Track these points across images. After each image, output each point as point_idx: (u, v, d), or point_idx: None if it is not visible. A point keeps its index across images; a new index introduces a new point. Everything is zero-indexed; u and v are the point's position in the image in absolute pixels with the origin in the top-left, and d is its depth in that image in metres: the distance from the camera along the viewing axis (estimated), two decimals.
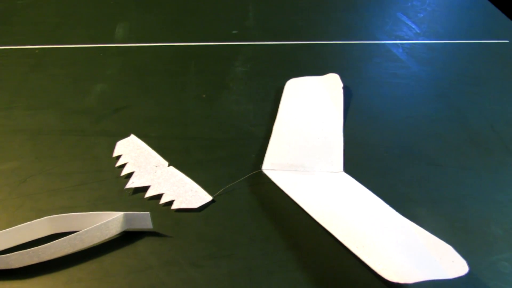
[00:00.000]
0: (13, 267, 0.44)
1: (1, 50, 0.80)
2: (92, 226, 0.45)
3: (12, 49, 0.80)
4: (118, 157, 0.57)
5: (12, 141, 0.60)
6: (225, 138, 0.62)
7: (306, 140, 0.59)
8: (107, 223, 0.46)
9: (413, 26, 0.93)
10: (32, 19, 0.92)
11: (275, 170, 0.55)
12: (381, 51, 0.85)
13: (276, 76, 0.74)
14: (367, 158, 0.59)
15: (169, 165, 0.56)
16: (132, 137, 0.60)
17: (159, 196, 0.52)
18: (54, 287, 0.43)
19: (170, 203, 0.51)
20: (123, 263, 0.45)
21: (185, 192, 0.52)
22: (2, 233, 0.45)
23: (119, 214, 0.46)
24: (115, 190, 0.53)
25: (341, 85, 0.69)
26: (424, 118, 0.67)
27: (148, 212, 0.47)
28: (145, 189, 0.53)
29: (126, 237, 0.48)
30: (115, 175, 0.55)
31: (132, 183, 0.53)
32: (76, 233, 0.45)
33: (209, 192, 0.53)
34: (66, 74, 0.74)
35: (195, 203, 0.51)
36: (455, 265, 0.41)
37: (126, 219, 0.47)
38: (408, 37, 0.89)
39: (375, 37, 0.89)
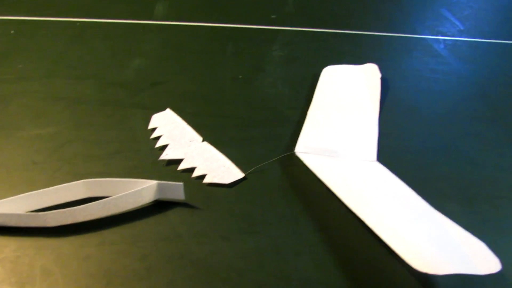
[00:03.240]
0: (49, 225, 0.45)
1: (44, 21, 0.82)
2: (127, 192, 0.46)
3: (54, 20, 0.82)
4: (153, 129, 0.58)
5: (52, 108, 0.62)
6: (259, 119, 0.62)
7: (341, 126, 0.59)
8: (141, 190, 0.47)
9: (457, 23, 0.92)
10: None
11: (308, 153, 0.55)
12: (422, 45, 0.83)
13: (313, 62, 0.74)
14: (402, 150, 0.58)
15: (203, 141, 0.57)
16: (168, 111, 0.61)
17: (191, 170, 0.53)
18: (87, 247, 0.44)
19: (202, 177, 0.52)
20: (154, 231, 0.46)
21: (217, 168, 0.53)
22: (40, 193, 0.47)
23: (153, 183, 0.47)
24: (149, 160, 0.54)
25: (379, 75, 0.69)
26: (463, 116, 0.66)
27: (182, 183, 0.47)
28: (178, 161, 0.54)
29: (158, 206, 0.48)
30: (149, 146, 0.56)
31: (166, 155, 0.54)
32: (111, 197, 0.46)
33: (242, 169, 0.53)
34: (105, 47, 0.75)
35: (227, 179, 0.51)
36: (487, 262, 0.41)
37: (160, 188, 0.47)
38: (450, 33, 0.88)
39: (416, 31, 0.88)
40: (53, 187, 0.47)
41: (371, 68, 0.70)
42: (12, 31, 0.78)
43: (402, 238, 0.43)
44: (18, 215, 0.44)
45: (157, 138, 0.57)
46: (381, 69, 0.70)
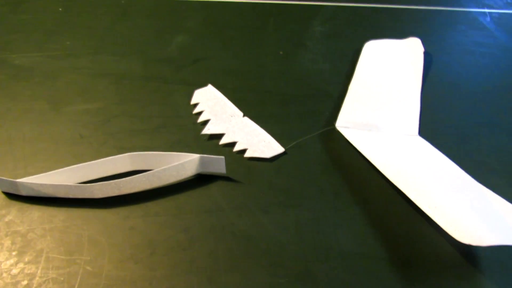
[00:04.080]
0: (96, 196, 0.47)
1: (89, 0, 0.84)
2: (170, 165, 0.47)
3: None
4: (195, 104, 0.59)
5: (98, 83, 0.64)
6: (300, 94, 0.62)
7: (383, 101, 0.58)
8: (184, 163, 0.48)
9: None
10: None
11: (349, 127, 0.54)
12: (467, 18, 0.80)
13: (354, 38, 0.73)
14: (445, 124, 0.57)
15: (244, 116, 0.57)
16: (210, 86, 0.62)
17: (232, 144, 0.53)
18: (132, 218, 0.46)
19: (243, 151, 0.52)
20: (196, 203, 0.47)
21: (258, 142, 0.53)
22: (87, 165, 0.49)
23: (195, 156, 0.48)
24: (191, 135, 0.55)
25: (422, 49, 0.67)
26: (508, 90, 0.63)
27: (223, 157, 0.48)
28: (219, 136, 0.54)
29: (200, 179, 0.49)
30: (192, 121, 0.57)
31: (208, 130, 0.55)
32: (155, 170, 0.47)
33: (282, 144, 0.53)
34: (149, 24, 0.76)
35: (268, 153, 0.52)
36: None
37: (202, 161, 0.48)
38: (497, 6, 0.84)
39: (461, 4, 0.84)
40: (99, 160, 0.49)
41: (414, 42, 0.69)
42: (60, 9, 0.81)
43: (444, 210, 0.43)
44: (67, 186, 0.46)
45: (199, 113, 0.58)
46: (424, 44, 0.68)
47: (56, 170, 0.48)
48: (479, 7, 0.83)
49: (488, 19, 0.80)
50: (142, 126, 0.57)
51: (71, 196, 0.47)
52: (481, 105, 0.60)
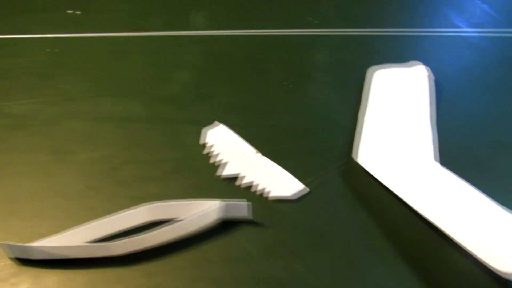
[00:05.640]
0: (115, 254, 0.44)
1: (81, 38, 0.81)
2: (193, 214, 0.45)
3: (93, 37, 0.81)
4: (206, 144, 0.57)
5: (100, 128, 0.61)
6: (311, 128, 0.60)
7: (397, 130, 0.57)
8: (207, 211, 0.46)
9: (495, 15, 0.88)
10: (104, 6, 0.92)
11: (369, 160, 0.53)
12: (464, 40, 0.80)
13: (356, 65, 0.71)
14: (463, 152, 0.56)
15: (256, 153, 0.55)
16: (219, 125, 0.60)
17: (252, 185, 0.51)
18: (157, 275, 0.43)
19: (264, 192, 0.50)
20: (222, 251, 0.45)
21: (278, 182, 0.51)
22: (103, 222, 0.46)
23: (218, 203, 0.46)
24: (206, 178, 0.53)
25: (432, 77, 0.67)
26: None
27: (249, 203, 0.46)
28: (236, 177, 0.52)
29: (223, 226, 0.47)
30: (205, 163, 0.55)
31: (223, 171, 0.53)
32: (179, 222, 0.45)
33: (302, 181, 0.51)
34: (147, 61, 0.74)
35: (290, 192, 0.50)
36: None
37: (225, 207, 0.46)
38: (490, 25, 0.85)
39: (456, 25, 0.85)
40: (116, 215, 0.46)
41: (422, 70, 0.68)
42: (48, 49, 0.78)
43: (478, 240, 0.41)
44: (84, 246, 0.44)
45: (211, 153, 0.56)
46: (426, 67, 0.68)
47: (70, 230, 0.45)
48: (471, 27, 0.84)
49: (485, 41, 0.80)
50: (153, 172, 0.54)
51: (88, 256, 0.44)
52: (497, 130, 0.60)
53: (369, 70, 0.68)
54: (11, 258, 0.44)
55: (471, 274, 0.42)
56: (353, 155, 0.54)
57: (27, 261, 0.44)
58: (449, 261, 0.43)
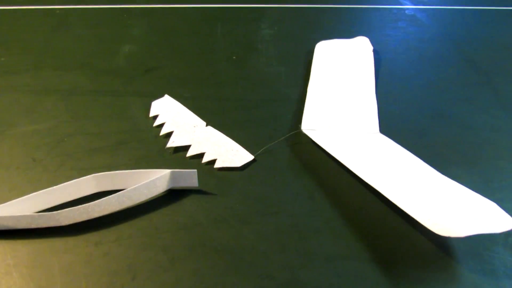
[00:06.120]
0: (62, 224, 0.44)
1: (21, 10, 0.78)
2: (140, 184, 0.45)
3: (33, 9, 0.78)
4: (155, 117, 0.57)
5: (44, 101, 0.59)
6: (259, 99, 0.61)
7: (342, 101, 0.59)
8: (155, 180, 0.46)
9: None
10: None
11: (314, 130, 0.55)
12: (406, 15, 0.84)
13: (303, 39, 0.73)
14: (401, 120, 0.59)
15: (207, 125, 0.56)
16: (167, 97, 0.60)
17: (200, 155, 0.52)
18: (105, 243, 0.43)
19: (212, 162, 0.51)
20: (171, 220, 0.45)
21: (226, 151, 0.52)
22: (49, 191, 0.45)
23: (166, 172, 0.46)
24: (155, 149, 0.53)
25: (371, 48, 0.69)
26: (453, 82, 0.67)
27: (195, 170, 0.47)
28: (185, 148, 0.53)
29: (172, 195, 0.47)
30: (153, 135, 0.55)
31: (172, 142, 0.53)
32: (125, 190, 0.45)
33: (250, 151, 0.53)
34: (91, 34, 0.73)
35: (238, 162, 0.51)
36: (501, 220, 0.42)
37: (173, 176, 0.47)
38: (432, 2, 0.88)
39: (398, 2, 0.88)
40: (62, 184, 0.46)
41: (363, 41, 0.70)
42: None
43: (418, 204, 0.43)
44: (30, 216, 0.43)
45: (160, 125, 0.56)
46: (371, 41, 0.70)
47: (14, 200, 0.44)
48: (414, 4, 0.87)
49: (425, 15, 0.83)
50: (101, 144, 0.53)
51: (34, 226, 0.43)
52: (431, 98, 0.63)
53: (318, 45, 0.70)
54: None
55: (415, 240, 0.44)
56: (301, 126, 0.55)
57: None
58: (394, 229, 0.45)
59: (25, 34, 0.72)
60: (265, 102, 0.61)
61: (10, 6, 0.78)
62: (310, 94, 0.60)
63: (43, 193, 0.45)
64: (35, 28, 0.74)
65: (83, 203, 0.44)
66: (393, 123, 0.57)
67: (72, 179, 0.46)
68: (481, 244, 0.43)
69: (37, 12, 0.77)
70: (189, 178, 0.47)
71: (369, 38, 0.71)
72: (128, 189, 0.45)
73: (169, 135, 0.54)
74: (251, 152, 0.52)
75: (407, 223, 0.45)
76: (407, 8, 0.85)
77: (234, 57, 0.69)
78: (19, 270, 0.41)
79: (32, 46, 0.70)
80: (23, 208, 0.44)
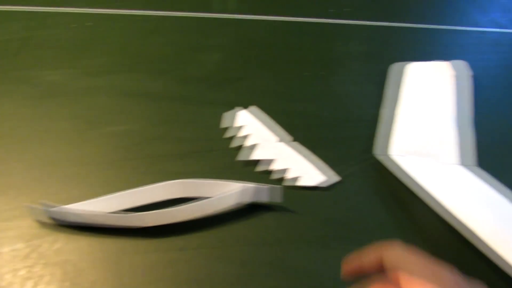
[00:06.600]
0: (148, 225, 0.45)
1: (119, 15, 0.82)
2: (225, 194, 0.45)
3: (129, 14, 0.82)
4: (239, 127, 0.57)
5: (135, 103, 0.61)
6: (345, 118, 0.60)
7: (434, 129, 0.56)
8: (238, 192, 0.46)
9: None
10: None
11: (402, 156, 0.53)
12: (507, 39, 0.79)
13: (394, 58, 0.71)
14: (501, 152, 0.55)
15: (293, 140, 0.55)
16: (252, 108, 0.60)
17: (283, 171, 0.51)
18: (188, 249, 0.44)
19: (296, 179, 0.50)
20: (252, 234, 0.45)
21: (310, 170, 0.51)
22: (138, 191, 0.47)
23: (250, 186, 0.46)
24: (236, 160, 0.53)
25: (470, 73, 0.66)
26: None
27: (280, 186, 0.47)
28: (268, 162, 0.52)
29: (254, 208, 0.47)
30: (235, 146, 0.55)
31: (256, 155, 0.53)
32: (209, 199, 0.45)
33: (335, 171, 0.52)
34: (181, 41, 0.74)
35: (323, 182, 0.50)
36: None
37: (256, 190, 0.46)
38: None
39: (500, 24, 0.83)
40: (150, 186, 0.47)
41: (460, 65, 0.67)
42: (88, 23, 0.78)
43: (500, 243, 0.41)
44: (118, 214, 0.44)
45: (245, 136, 0.56)
46: (466, 63, 0.67)
47: (105, 196, 0.46)
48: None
49: None
50: (186, 149, 0.54)
51: (121, 224, 0.45)
52: None
53: (393, 66, 0.68)
54: (49, 218, 0.45)
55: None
56: (376, 150, 0.54)
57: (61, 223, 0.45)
58: (472, 263, 0.43)
59: (120, 37, 0.75)
60: (351, 122, 0.59)
61: (112, 9, 0.82)
62: (399, 118, 0.58)
63: (131, 193, 0.47)
64: (130, 32, 0.77)
65: (165, 206, 0.45)
66: (492, 156, 0.54)
67: (157, 182, 0.48)
68: None
69: (133, 17, 0.80)
70: (273, 193, 0.47)
71: (456, 58, 0.68)
72: (213, 198, 0.45)
73: (252, 147, 0.54)
74: (337, 173, 0.51)
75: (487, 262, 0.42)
76: (510, 32, 0.81)
77: (321, 73, 0.68)
78: (105, 265, 0.42)
79: (125, 49, 0.72)
80: (111, 204, 0.46)
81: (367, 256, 0.33)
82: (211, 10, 0.83)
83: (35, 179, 0.50)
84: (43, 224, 0.45)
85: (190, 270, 0.42)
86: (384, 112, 0.60)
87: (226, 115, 0.59)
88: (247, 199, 0.47)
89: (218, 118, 0.59)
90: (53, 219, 0.45)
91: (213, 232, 0.45)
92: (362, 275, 0.34)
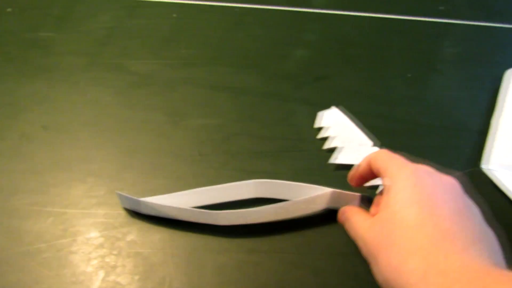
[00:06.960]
0: (219, 224, 0.44)
1: (204, 6, 0.82)
2: (300, 198, 0.44)
3: (214, 5, 0.82)
4: (320, 128, 0.55)
5: (216, 97, 0.61)
6: (433, 125, 0.56)
7: None
8: (314, 197, 0.44)
9: None
10: None
11: (503, 170, 0.48)
12: None
13: (492, 63, 0.65)
14: None
15: (373, 145, 0.52)
16: (335, 109, 0.57)
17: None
18: (258, 252, 0.43)
19: (376, 186, 0.48)
20: (327, 242, 0.43)
21: None
22: (211, 189, 0.46)
23: (327, 190, 0.44)
24: (316, 162, 0.51)
25: None
26: None
27: (359, 194, 0.44)
28: (348, 167, 0.50)
29: (330, 215, 0.45)
30: (316, 147, 0.53)
31: (335, 159, 0.51)
32: (283, 202, 0.44)
33: None
34: (265, 35, 0.73)
35: None
36: None
37: (334, 196, 0.44)
38: None
39: None
40: (224, 185, 0.46)
41: None
42: (174, 15, 0.79)
43: None
44: (191, 210, 0.44)
45: (325, 138, 0.54)
46: None
47: (180, 192, 0.46)
48: None
49: None
50: (264, 148, 0.53)
51: (193, 220, 0.44)
52: None
53: (509, 72, 0.62)
54: (124, 208, 0.46)
55: None
56: (483, 163, 0.49)
57: (137, 214, 0.46)
58: None
59: (205, 29, 0.75)
60: (440, 129, 0.55)
61: (194, 1, 0.83)
62: (501, 129, 0.53)
63: (205, 190, 0.46)
64: (214, 24, 0.77)
65: (239, 206, 0.44)
66: None
67: (233, 180, 0.47)
68: None
69: (217, 9, 0.80)
70: (351, 201, 0.44)
71: None
72: (287, 202, 0.44)
73: (333, 150, 0.52)
74: None
75: None
76: None
77: (409, 75, 0.64)
78: (175, 261, 0.42)
79: (210, 41, 0.72)
80: (186, 200, 0.46)
81: (361, 165, 0.41)
82: (297, 5, 0.81)
83: (113, 169, 0.51)
84: (118, 214, 0.46)
85: (259, 274, 0.41)
86: (495, 121, 0.55)
87: (320, 115, 0.57)
88: (323, 205, 0.45)
89: (299, 117, 0.57)
90: (128, 210, 0.46)
91: (285, 236, 0.44)
92: (363, 181, 0.43)
